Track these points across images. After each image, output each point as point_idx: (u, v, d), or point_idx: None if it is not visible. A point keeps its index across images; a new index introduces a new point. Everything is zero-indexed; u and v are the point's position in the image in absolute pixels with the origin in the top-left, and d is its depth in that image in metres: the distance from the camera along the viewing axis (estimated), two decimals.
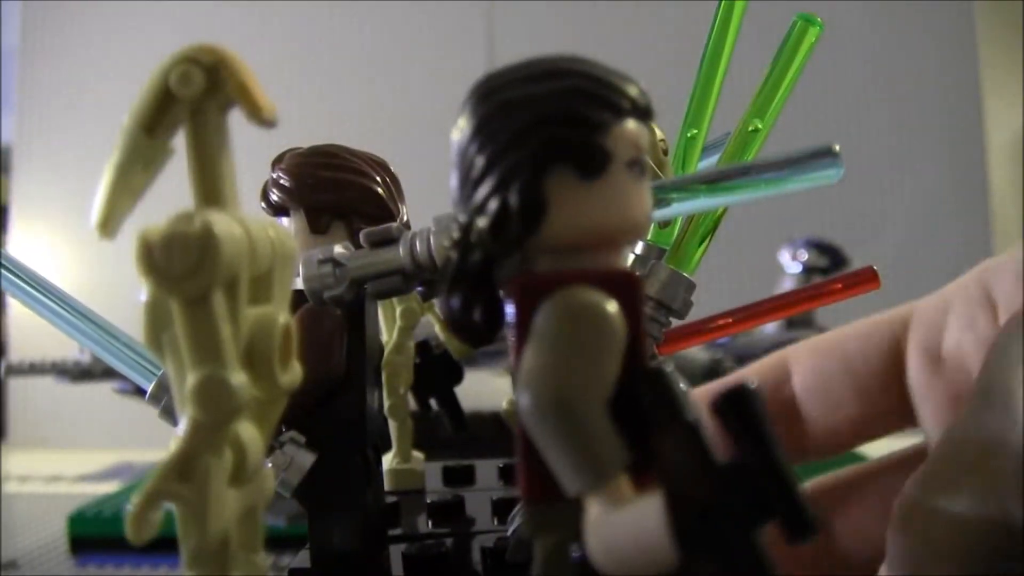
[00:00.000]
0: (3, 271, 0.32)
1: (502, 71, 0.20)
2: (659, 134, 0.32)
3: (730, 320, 0.34)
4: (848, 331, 0.28)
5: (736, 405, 0.17)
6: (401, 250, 0.25)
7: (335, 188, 0.33)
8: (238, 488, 0.20)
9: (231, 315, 0.19)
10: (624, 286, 0.19)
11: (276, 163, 0.34)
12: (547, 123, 0.19)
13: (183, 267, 0.18)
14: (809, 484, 0.31)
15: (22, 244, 1.42)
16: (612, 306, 0.18)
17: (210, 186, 0.20)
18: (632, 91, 0.19)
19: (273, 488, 0.21)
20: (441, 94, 1.57)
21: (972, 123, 1.43)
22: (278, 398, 0.21)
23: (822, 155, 0.21)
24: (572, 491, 0.18)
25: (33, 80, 1.46)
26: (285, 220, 0.34)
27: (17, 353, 1.26)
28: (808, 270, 0.97)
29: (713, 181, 0.23)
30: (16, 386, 1.35)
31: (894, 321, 0.27)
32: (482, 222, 0.19)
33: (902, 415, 0.27)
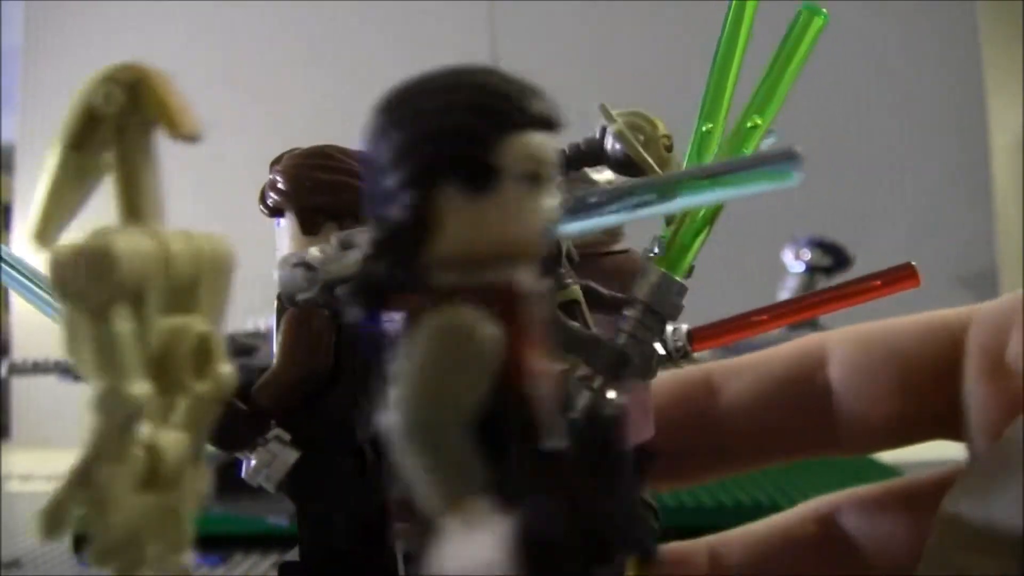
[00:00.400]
0: (3, 266, 0.32)
1: (408, 82, 0.19)
2: (662, 129, 0.32)
3: (766, 317, 0.34)
4: (899, 325, 0.27)
5: (595, 433, 0.17)
6: None
7: (331, 191, 0.33)
8: (154, 491, 0.20)
9: (139, 326, 0.20)
10: (505, 303, 0.18)
11: (274, 165, 0.34)
12: (434, 138, 0.18)
13: (84, 282, 0.19)
14: (841, 494, 0.30)
15: (26, 243, 1.42)
16: (485, 327, 0.18)
17: (131, 202, 0.20)
18: (531, 103, 0.19)
19: (205, 488, 0.21)
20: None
21: (975, 123, 1.42)
22: (204, 404, 0.21)
23: (781, 157, 0.20)
24: (429, 511, 0.17)
25: (36, 79, 1.47)
26: (283, 222, 0.34)
27: (20, 352, 1.26)
28: (811, 269, 0.97)
29: (666, 186, 0.23)
30: (19, 385, 1.35)
31: (952, 321, 0.26)
32: (376, 237, 0.19)
33: (946, 421, 0.26)
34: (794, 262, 0.98)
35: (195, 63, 1.37)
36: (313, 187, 0.33)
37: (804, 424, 0.30)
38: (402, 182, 0.18)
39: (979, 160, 1.42)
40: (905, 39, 1.43)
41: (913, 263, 0.30)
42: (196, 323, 0.21)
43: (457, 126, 0.18)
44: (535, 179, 0.19)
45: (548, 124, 0.19)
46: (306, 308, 0.28)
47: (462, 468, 0.17)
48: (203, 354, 0.21)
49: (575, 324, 0.27)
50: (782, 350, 0.29)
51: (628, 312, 0.26)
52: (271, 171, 0.34)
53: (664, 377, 0.37)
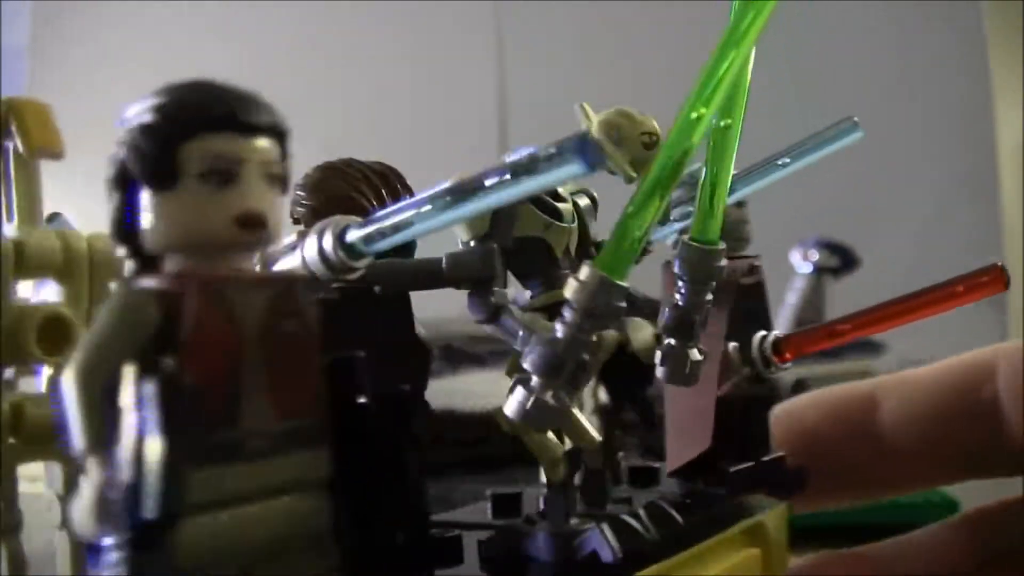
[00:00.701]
0: None
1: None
2: (648, 127, 0.31)
3: (849, 326, 0.33)
4: None
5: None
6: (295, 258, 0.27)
7: (352, 204, 0.33)
8: (20, 440, 0.27)
9: None
10: (182, 290, 0.21)
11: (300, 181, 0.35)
12: (127, 142, 0.21)
13: None
14: (999, 501, 0.30)
15: None
16: (146, 305, 0.21)
17: (7, 208, 0.27)
18: (215, 107, 0.21)
19: None
20: (448, 93, 1.57)
21: (982, 124, 1.42)
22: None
23: (565, 151, 0.20)
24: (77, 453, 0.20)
25: (42, 79, 1.47)
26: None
27: None
28: (819, 270, 0.96)
29: (460, 192, 0.23)
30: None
31: None
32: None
33: None
34: (802, 263, 0.98)
35: (200, 62, 1.37)
36: (338, 201, 0.33)
37: (969, 438, 0.30)
38: (110, 182, 0.22)
39: (985, 161, 1.42)
40: (912, 41, 1.43)
41: (1000, 263, 0.29)
42: (48, 306, 0.27)
43: (143, 132, 0.21)
44: (217, 177, 0.21)
45: (235, 126, 0.21)
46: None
47: (95, 422, 0.20)
48: (59, 332, 0.26)
49: (527, 321, 0.27)
50: (950, 362, 0.29)
51: (566, 314, 0.26)
52: (296, 189, 0.34)
53: (826, 393, 0.37)
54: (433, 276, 0.29)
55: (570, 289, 0.26)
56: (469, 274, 0.28)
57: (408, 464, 0.26)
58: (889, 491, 0.37)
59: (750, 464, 0.35)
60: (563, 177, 0.20)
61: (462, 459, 0.63)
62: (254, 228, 0.22)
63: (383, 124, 1.33)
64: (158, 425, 0.20)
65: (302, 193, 0.33)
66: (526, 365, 0.26)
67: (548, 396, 0.26)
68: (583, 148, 0.20)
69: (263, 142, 0.22)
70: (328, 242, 0.25)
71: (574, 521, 0.28)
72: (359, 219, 0.25)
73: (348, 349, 0.31)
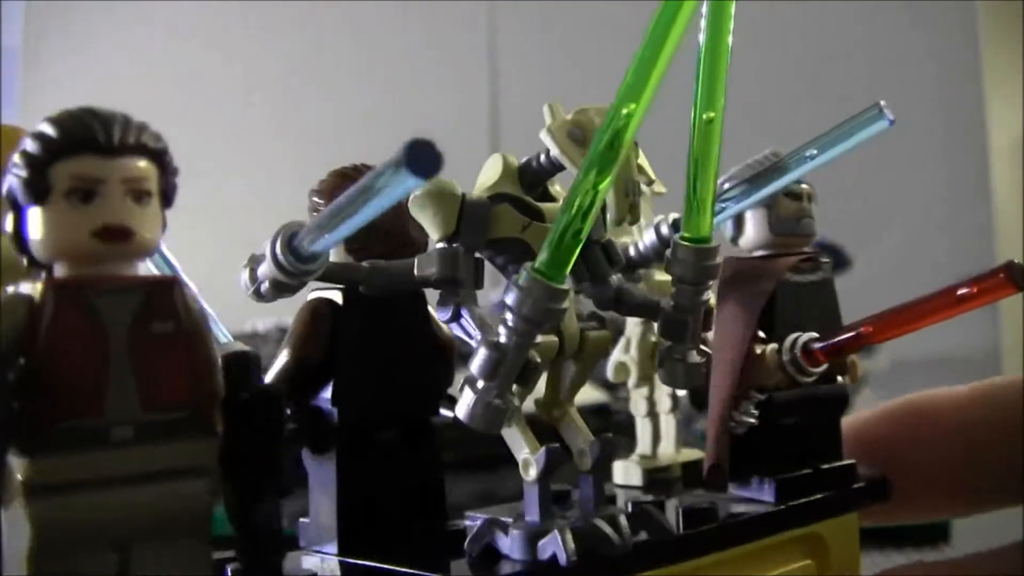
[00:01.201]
0: None
1: None
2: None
3: (870, 328, 0.33)
4: None
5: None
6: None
7: None
8: None
9: None
10: (48, 297, 0.23)
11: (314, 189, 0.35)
12: (13, 163, 0.24)
13: None
14: None
15: None
16: (17, 310, 0.23)
17: None
18: (80, 131, 0.23)
19: None
20: (443, 93, 1.57)
21: (974, 125, 1.42)
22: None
23: (404, 163, 0.21)
24: None
25: (35, 80, 1.47)
26: None
27: None
28: None
29: (341, 212, 0.24)
30: None
31: None
32: None
33: None
34: None
35: (193, 63, 1.37)
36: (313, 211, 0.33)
37: None
38: (5, 200, 0.24)
39: (978, 160, 1.42)
40: (905, 40, 1.43)
41: (1012, 261, 0.29)
42: None
43: (22, 155, 0.23)
44: (79, 195, 0.23)
45: (96, 148, 0.23)
46: (311, 301, 0.31)
47: None
48: None
49: (475, 326, 0.28)
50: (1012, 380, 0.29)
51: (507, 318, 0.26)
52: (311, 195, 0.34)
53: (910, 398, 0.37)
54: (407, 277, 0.29)
55: (508, 294, 0.26)
56: (431, 275, 0.29)
57: (280, 458, 0.27)
58: (976, 506, 0.36)
59: (807, 471, 0.34)
60: (408, 187, 0.21)
61: (456, 459, 0.63)
62: (114, 240, 0.24)
63: (378, 124, 1.33)
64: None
65: (317, 199, 0.33)
66: (472, 367, 0.26)
67: (493, 397, 0.26)
68: (414, 157, 0.20)
69: (128, 161, 0.24)
70: (278, 247, 0.26)
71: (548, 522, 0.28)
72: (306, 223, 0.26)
73: (371, 348, 0.31)
